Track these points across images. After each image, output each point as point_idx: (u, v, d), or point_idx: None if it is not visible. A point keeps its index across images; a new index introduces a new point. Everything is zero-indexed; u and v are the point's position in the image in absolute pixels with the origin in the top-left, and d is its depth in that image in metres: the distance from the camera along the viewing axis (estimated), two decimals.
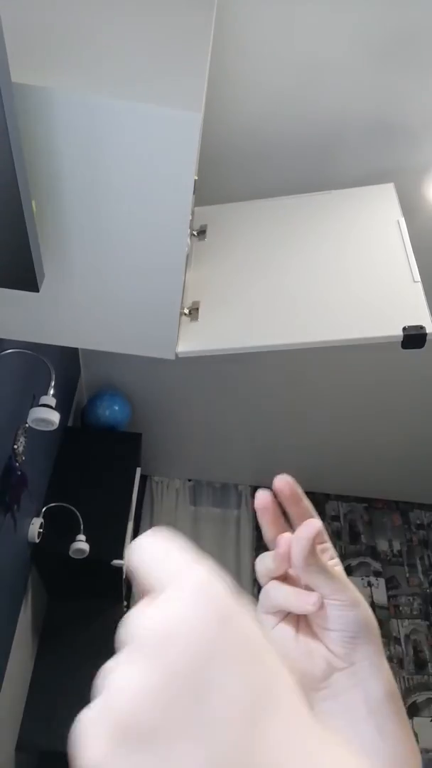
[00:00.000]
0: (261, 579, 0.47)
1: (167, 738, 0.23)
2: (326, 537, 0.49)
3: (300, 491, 0.48)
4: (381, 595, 3.56)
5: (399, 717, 0.42)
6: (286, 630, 0.46)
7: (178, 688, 0.24)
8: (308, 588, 0.45)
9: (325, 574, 0.44)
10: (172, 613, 0.26)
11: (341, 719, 0.40)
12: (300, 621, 0.47)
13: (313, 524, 0.44)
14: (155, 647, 0.25)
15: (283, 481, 0.48)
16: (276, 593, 0.45)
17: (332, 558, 0.49)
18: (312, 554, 0.43)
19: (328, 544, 0.50)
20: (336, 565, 0.48)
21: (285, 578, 0.47)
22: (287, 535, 0.46)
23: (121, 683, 0.24)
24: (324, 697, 0.42)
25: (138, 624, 0.26)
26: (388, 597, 3.56)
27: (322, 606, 0.44)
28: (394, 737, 0.41)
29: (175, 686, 0.24)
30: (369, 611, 0.45)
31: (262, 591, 0.46)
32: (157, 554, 0.30)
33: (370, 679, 0.42)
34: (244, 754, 0.23)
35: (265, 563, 0.47)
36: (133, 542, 0.31)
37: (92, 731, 0.24)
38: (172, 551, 0.30)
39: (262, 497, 0.48)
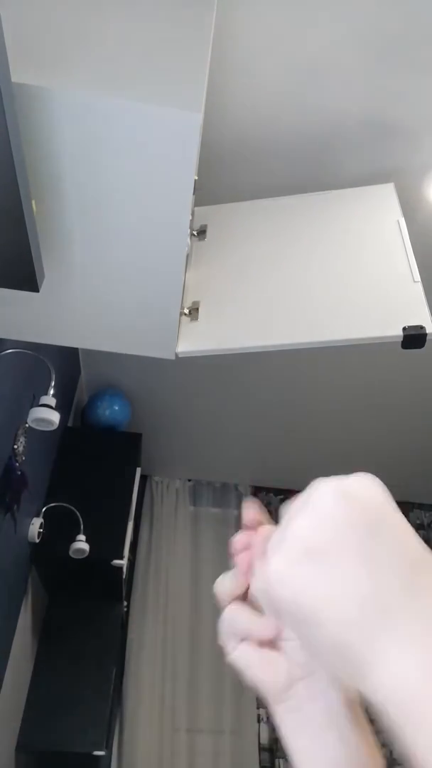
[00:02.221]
0: (221, 602, 0.47)
1: (338, 558, 0.32)
2: None
3: (265, 517, 0.49)
4: None
5: (359, 724, 0.43)
6: (247, 647, 0.46)
7: (357, 523, 0.33)
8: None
9: None
10: (355, 484, 0.35)
11: (306, 730, 0.42)
12: None
13: (267, 527, 0.45)
14: (338, 498, 0.34)
15: (251, 514, 0.48)
16: (236, 620, 0.45)
17: None
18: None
19: None
20: None
21: (245, 597, 0.47)
22: (246, 552, 0.46)
23: (299, 524, 0.35)
24: (288, 710, 0.43)
25: (316, 491, 0.36)
26: None
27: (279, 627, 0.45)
28: (356, 744, 0.42)
29: (354, 521, 0.33)
30: None
31: (222, 617, 0.46)
32: None
33: (330, 687, 0.43)
34: (401, 588, 0.31)
35: (224, 584, 0.47)
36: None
37: (276, 553, 0.34)
38: None
39: (241, 540, 0.47)
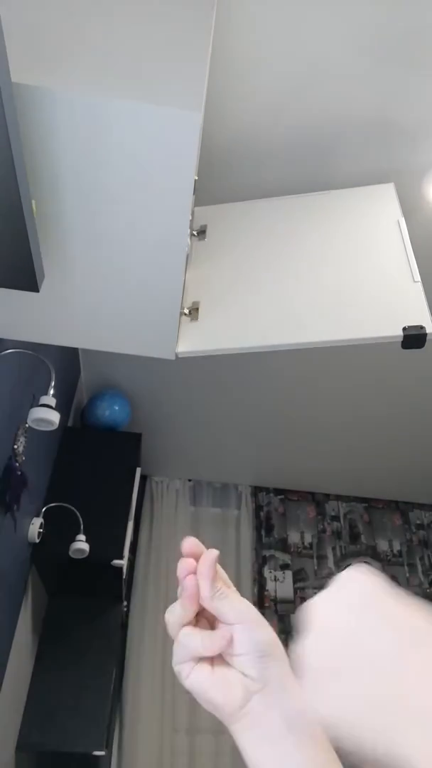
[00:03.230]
0: (172, 630, 0.49)
1: (348, 668, 0.34)
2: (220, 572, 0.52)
3: (202, 548, 0.51)
4: None
5: (313, 730, 0.45)
6: (202, 669, 0.48)
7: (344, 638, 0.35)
8: (212, 622, 0.48)
9: (229, 599, 0.48)
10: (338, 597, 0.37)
11: (265, 744, 0.43)
12: (214, 656, 0.49)
13: (212, 552, 0.48)
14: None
15: (189, 543, 0.51)
16: (189, 641, 0.48)
17: (229, 587, 0.51)
18: (216, 581, 0.47)
19: (222, 575, 0.52)
20: (233, 593, 0.51)
21: (196, 624, 0.50)
22: (191, 576, 0.49)
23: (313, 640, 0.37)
24: (245, 727, 0.44)
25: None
26: None
27: (231, 637, 0.47)
28: (312, 750, 0.44)
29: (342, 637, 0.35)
30: (272, 632, 0.48)
31: (176, 643, 0.48)
32: None
33: (284, 696, 0.45)
34: (393, 679, 0.32)
35: (174, 612, 0.49)
36: None
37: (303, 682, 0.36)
38: None
39: (185, 566, 0.50)
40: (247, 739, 0.44)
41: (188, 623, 0.48)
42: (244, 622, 0.48)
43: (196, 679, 0.46)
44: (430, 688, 0.32)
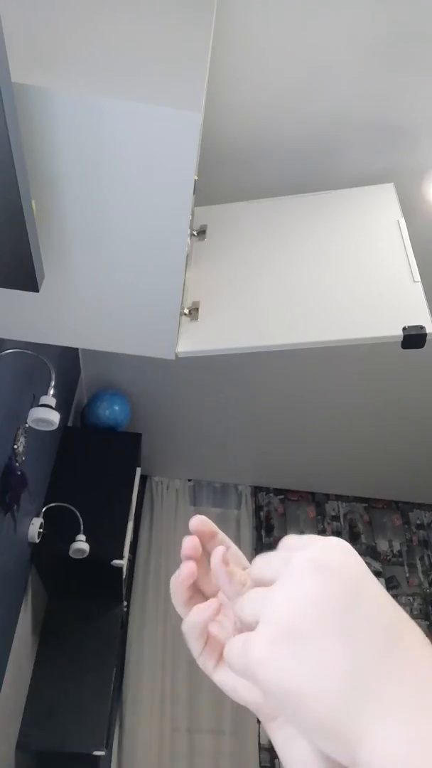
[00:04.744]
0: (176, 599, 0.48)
1: (316, 637, 0.33)
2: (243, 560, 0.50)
3: (214, 527, 0.49)
4: None
5: None
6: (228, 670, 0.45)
7: (333, 600, 0.34)
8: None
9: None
10: (328, 554, 0.36)
11: (297, 741, 0.41)
12: None
13: (218, 549, 0.45)
14: (312, 572, 0.35)
15: (198, 521, 0.49)
16: (198, 609, 0.45)
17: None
18: (233, 576, 0.44)
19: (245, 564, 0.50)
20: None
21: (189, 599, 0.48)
22: (189, 562, 0.47)
23: (278, 601, 0.35)
24: (280, 725, 0.42)
25: (292, 561, 0.36)
26: None
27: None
28: None
29: (330, 599, 0.34)
30: None
31: (184, 623, 0.46)
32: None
33: None
34: (378, 661, 0.32)
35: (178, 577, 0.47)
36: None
37: (255, 639, 0.35)
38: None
39: (189, 544, 0.48)
40: (280, 737, 0.42)
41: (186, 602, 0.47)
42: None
43: (224, 679, 0.44)
44: (407, 680, 0.32)
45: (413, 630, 0.34)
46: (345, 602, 0.34)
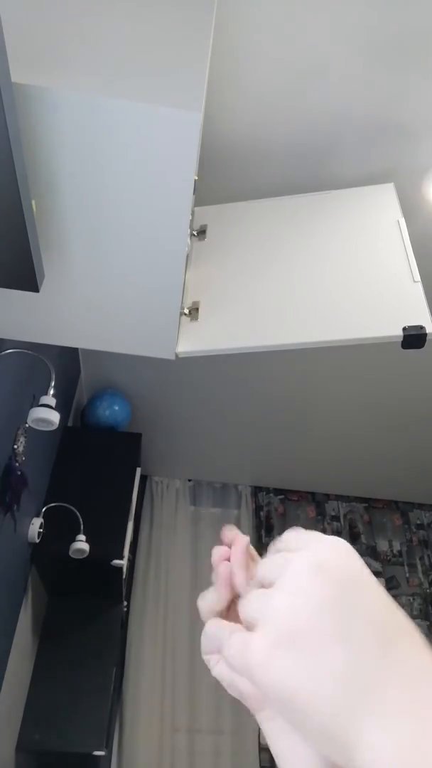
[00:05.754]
0: (204, 617, 0.48)
1: (315, 640, 0.33)
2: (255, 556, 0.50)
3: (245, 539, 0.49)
4: None
5: None
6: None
7: (332, 602, 0.34)
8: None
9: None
10: (326, 556, 0.36)
11: (287, 733, 0.41)
12: None
13: (243, 538, 0.46)
14: (310, 575, 0.35)
15: (227, 531, 0.49)
16: (216, 633, 0.45)
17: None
18: (249, 568, 0.45)
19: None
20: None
21: (227, 614, 0.47)
22: (224, 562, 0.47)
23: (278, 604, 0.35)
24: (270, 717, 0.43)
25: (292, 563, 0.36)
26: None
27: None
28: None
29: (329, 600, 0.34)
30: None
31: (203, 633, 0.46)
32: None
33: None
34: (377, 662, 0.32)
35: (206, 599, 0.47)
36: None
37: (254, 642, 0.35)
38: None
39: (220, 552, 0.48)
40: (271, 728, 0.43)
41: (220, 611, 0.47)
42: None
43: (224, 670, 0.46)
44: (404, 682, 0.32)
45: (411, 631, 0.34)
46: (342, 605, 0.34)
